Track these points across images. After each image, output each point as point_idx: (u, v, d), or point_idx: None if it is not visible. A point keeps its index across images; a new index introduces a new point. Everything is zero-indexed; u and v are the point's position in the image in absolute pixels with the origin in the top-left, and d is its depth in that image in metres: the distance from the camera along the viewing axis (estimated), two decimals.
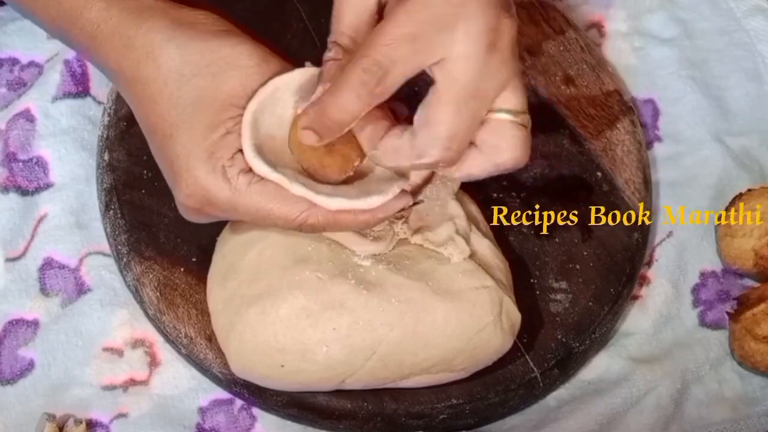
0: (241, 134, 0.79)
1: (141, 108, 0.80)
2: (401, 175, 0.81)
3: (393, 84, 0.76)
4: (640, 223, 0.96)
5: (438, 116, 0.76)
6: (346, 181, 0.80)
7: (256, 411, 0.89)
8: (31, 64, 1.00)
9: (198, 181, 0.78)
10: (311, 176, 0.79)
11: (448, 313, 0.84)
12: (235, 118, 0.79)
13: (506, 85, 0.77)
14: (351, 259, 0.85)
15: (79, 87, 0.98)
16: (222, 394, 0.89)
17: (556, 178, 0.97)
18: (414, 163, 0.78)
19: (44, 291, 0.92)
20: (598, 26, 1.07)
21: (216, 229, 0.90)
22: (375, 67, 0.75)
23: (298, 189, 0.78)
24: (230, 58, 0.79)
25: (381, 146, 0.78)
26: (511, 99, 0.78)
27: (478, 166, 0.79)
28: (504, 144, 0.78)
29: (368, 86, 0.75)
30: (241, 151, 0.78)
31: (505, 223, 0.94)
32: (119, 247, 0.91)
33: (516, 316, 0.87)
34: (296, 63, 0.82)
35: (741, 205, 0.95)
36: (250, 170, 0.78)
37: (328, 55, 0.80)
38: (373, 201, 0.79)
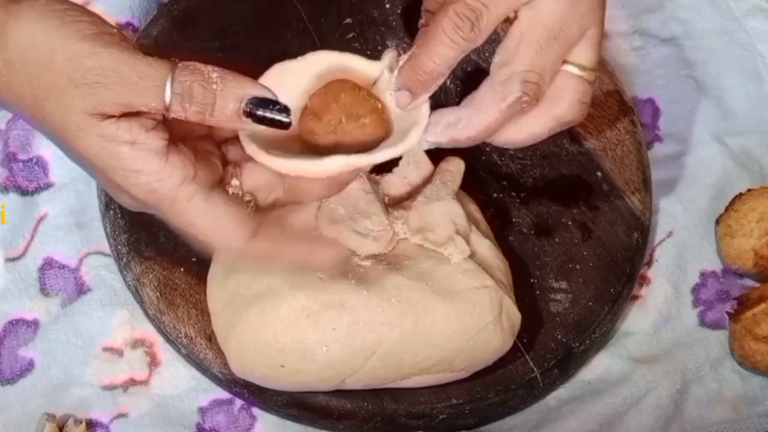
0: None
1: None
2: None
3: (487, 27, 0.75)
4: (639, 223, 0.95)
5: (519, 54, 0.75)
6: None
7: (256, 411, 0.89)
8: None
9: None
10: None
11: (448, 313, 0.84)
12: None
13: (586, 34, 0.76)
14: (351, 259, 0.85)
15: None
16: (222, 394, 0.89)
17: (556, 178, 0.97)
18: (500, 107, 0.76)
19: (44, 291, 0.92)
20: None
21: None
22: (468, 11, 0.74)
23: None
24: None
25: (464, 108, 0.77)
26: (585, 53, 0.77)
27: (538, 119, 0.78)
28: (566, 96, 0.77)
29: (462, 30, 0.74)
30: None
31: (504, 222, 0.94)
32: (119, 247, 0.91)
33: (516, 316, 0.87)
34: None
35: (741, 205, 0.95)
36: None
37: (420, 23, 0.79)
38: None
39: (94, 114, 0.70)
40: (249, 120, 0.71)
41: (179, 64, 0.71)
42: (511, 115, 0.78)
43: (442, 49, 0.75)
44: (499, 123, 0.78)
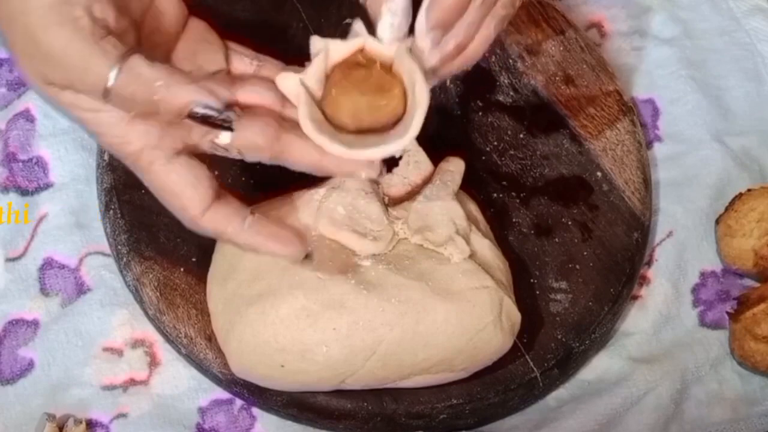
0: None
1: None
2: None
3: None
4: (639, 223, 0.96)
5: None
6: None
7: (256, 411, 0.89)
8: None
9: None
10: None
11: (448, 313, 0.84)
12: None
13: None
14: (351, 259, 0.85)
15: None
16: (222, 394, 0.89)
17: (556, 178, 0.97)
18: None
19: (44, 291, 0.92)
20: (598, 26, 1.07)
21: None
22: None
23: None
24: None
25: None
26: None
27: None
28: None
29: None
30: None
31: (504, 222, 0.94)
32: (119, 247, 0.91)
33: (516, 316, 0.87)
34: (297, 63, 0.82)
35: (741, 205, 0.95)
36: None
37: None
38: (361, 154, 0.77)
39: (50, 83, 0.71)
40: (190, 121, 0.72)
41: (129, 59, 0.70)
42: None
43: None
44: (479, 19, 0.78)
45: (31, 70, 0.71)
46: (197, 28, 0.80)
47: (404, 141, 0.77)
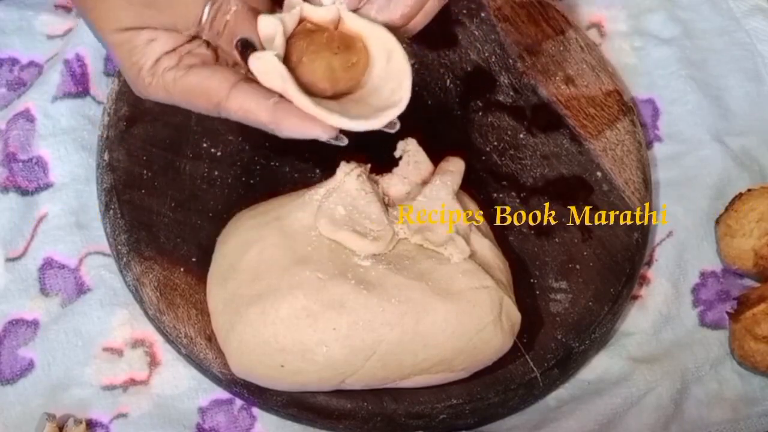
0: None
1: None
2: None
3: None
4: (639, 223, 0.96)
5: None
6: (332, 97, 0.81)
7: (256, 411, 0.89)
8: (31, 64, 1.00)
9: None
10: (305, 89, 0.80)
11: (448, 313, 0.84)
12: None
13: None
14: (351, 259, 0.85)
15: (78, 87, 0.98)
16: (222, 394, 0.89)
17: (556, 178, 0.97)
18: None
19: (44, 291, 0.92)
20: (598, 26, 1.07)
21: (216, 229, 0.90)
22: None
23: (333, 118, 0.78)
24: None
25: None
26: None
27: None
28: None
29: None
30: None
31: (504, 222, 0.94)
32: (119, 247, 0.91)
33: (516, 316, 0.87)
34: None
35: (741, 205, 0.95)
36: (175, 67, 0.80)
37: None
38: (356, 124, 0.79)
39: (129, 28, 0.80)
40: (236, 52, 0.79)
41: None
42: None
43: None
44: None
45: (108, 19, 0.79)
46: None
47: (401, 106, 0.79)
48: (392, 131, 0.80)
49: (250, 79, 0.79)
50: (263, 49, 0.78)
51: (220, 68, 0.80)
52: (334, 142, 0.79)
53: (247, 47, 0.78)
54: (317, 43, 0.79)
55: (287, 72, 0.77)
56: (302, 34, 0.80)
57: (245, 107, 0.79)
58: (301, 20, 0.80)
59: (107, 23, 0.80)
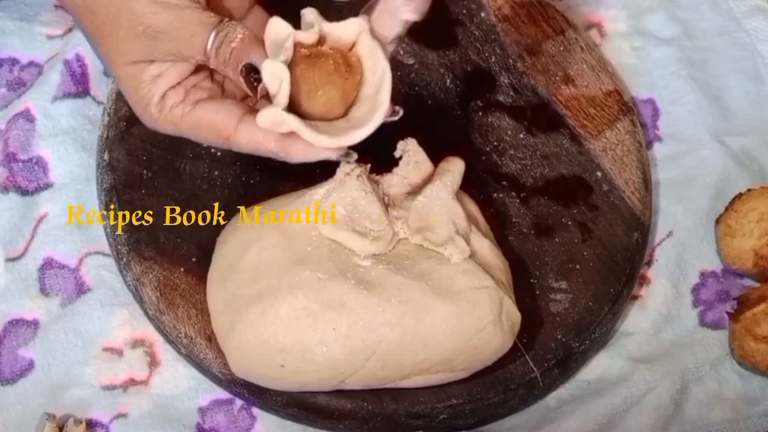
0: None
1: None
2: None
3: None
4: (639, 223, 0.96)
5: None
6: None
7: (256, 411, 0.89)
8: (31, 64, 1.00)
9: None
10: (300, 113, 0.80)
11: (448, 313, 0.84)
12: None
13: None
14: (351, 259, 0.85)
15: (78, 87, 0.98)
16: (222, 394, 0.89)
17: (556, 178, 0.97)
18: None
19: (44, 291, 0.92)
20: (598, 26, 1.07)
21: (216, 229, 0.90)
22: None
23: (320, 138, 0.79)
24: None
25: None
26: None
27: None
28: None
29: None
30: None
31: (504, 222, 0.94)
32: (119, 247, 0.91)
33: (516, 316, 0.87)
34: None
35: (741, 205, 0.95)
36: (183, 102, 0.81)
37: None
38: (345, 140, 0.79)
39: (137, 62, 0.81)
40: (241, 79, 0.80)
41: (221, 24, 0.79)
42: None
43: None
44: None
45: (117, 53, 0.81)
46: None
47: (379, 116, 0.79)
48: (395, 119, 0.81)
49: (255, 110, 0.80)
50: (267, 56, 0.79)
51: (227, 102, 0.82)
52: (344, 160, 0.80)
53: (251, 72, 0.79)
54: (326, 71, 0.79)
55: (298, 121, 0.78)
56: (304, 63, 0.79)
57: (254, 139, 0.80)
58: (294, 45, 0.80)
59: (116, 57, 0.81)
